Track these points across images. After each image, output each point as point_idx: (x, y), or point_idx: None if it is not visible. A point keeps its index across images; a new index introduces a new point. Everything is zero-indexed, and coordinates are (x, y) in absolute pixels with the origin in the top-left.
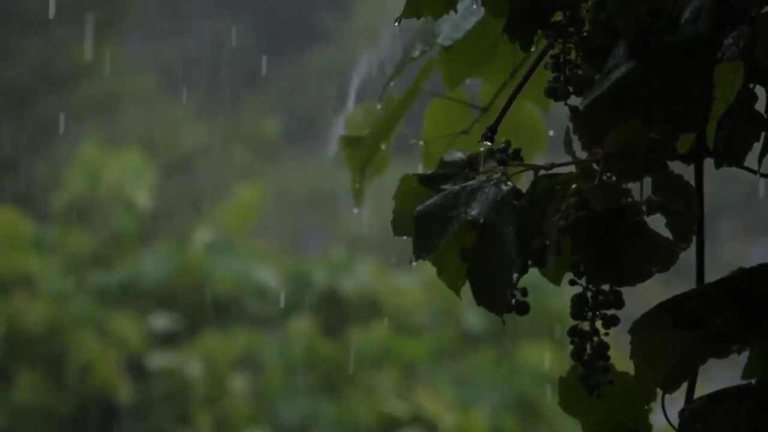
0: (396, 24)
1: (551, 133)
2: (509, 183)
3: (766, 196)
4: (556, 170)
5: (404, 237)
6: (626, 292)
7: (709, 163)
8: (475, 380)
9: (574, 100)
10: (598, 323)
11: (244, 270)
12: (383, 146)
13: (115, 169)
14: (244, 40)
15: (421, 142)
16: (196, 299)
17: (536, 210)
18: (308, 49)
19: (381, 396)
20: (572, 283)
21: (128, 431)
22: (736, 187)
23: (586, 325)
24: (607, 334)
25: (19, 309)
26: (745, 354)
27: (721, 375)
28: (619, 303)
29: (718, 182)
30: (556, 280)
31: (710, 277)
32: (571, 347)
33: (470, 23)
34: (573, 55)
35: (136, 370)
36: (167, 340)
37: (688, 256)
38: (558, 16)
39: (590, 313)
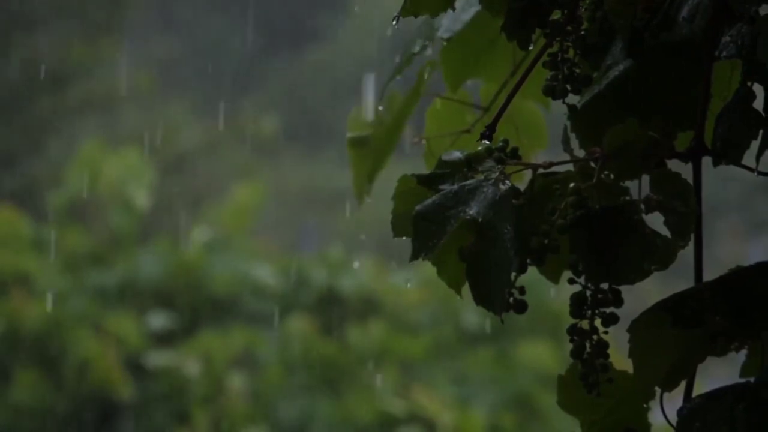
0: (394, 22)
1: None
2: (507, 182)
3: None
4: (554, 169)
5: (403, 237)
6: (625, 290)
7: (707, 161)
8: (474, 379)
9: (572, 99)
10: (597, 321)
11: (242, 269)
12: (389, 152)
13: (115, 168)
14: (241, 38)
15: (424, 141)
16: (194, 298)
17: (534, 209)
18: (306, 48)
19: (379, 395)
20: (571, 281)
21: (126, 430)
22: (734, 186)
23: (585, 324)
24: (606, 332)
25: (17, 308)
26: (744, 352)
27: (719, 373)
28: (618, 301)
29: (716, 181)
30: (555, 279)
31: (708, 276)
32: (570, 346)
33: (469, 14)
34: (571, 53)
35: (134, 369)
36: (165, 339)
37: (686, 254)
38: (556, 15)
39: (589, 312)
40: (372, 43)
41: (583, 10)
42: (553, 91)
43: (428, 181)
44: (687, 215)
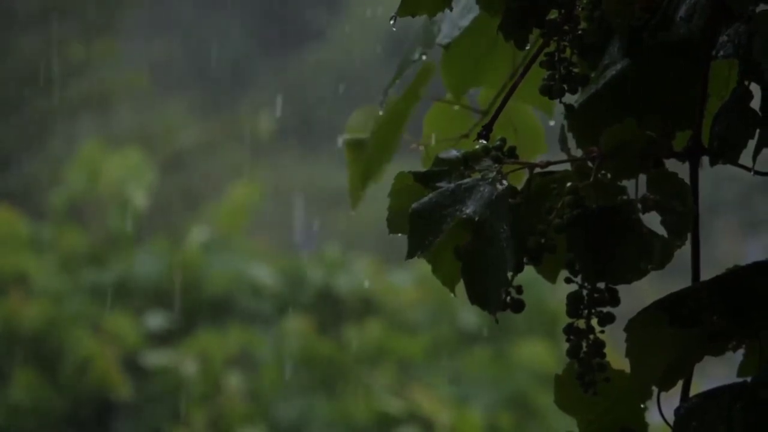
0: (391, 22)
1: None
2: (504, 181)
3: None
4: (551, 168)
5: (399, 235)
6: (621, 290)
7: (704, 160)
8: (471, 378)
9: (570, 98)
10: (594, 321)
11: (239, 268)
12: (386, 156)
13: (116, 168)
14: (238, 37)
15: (422, 147)
16: (191, 297)
17: (531, 208)
18: (303, 47)
19: (377, 394)
20: (568, 281)
21: (124, 429)
22: (731, 185)
23: (581, 323)
24: (602, 331)
25: (15, 307)
26: (741, 352)
27: (716, 373)
28: (614, 301)
29: (713, 180)
30: (552, 278)
31: (705, 275)
32: (566, 345)
33: (467, 20)
34: (568, 53)
35: (132, 368)
36: (163, 339)
37: (683, 253)
38: (553, 14)
39: (586, 311)
40: (370, 42)
41: (580, 9)
42: (550, 91)
43: (425, 179)
44: (684, 215)
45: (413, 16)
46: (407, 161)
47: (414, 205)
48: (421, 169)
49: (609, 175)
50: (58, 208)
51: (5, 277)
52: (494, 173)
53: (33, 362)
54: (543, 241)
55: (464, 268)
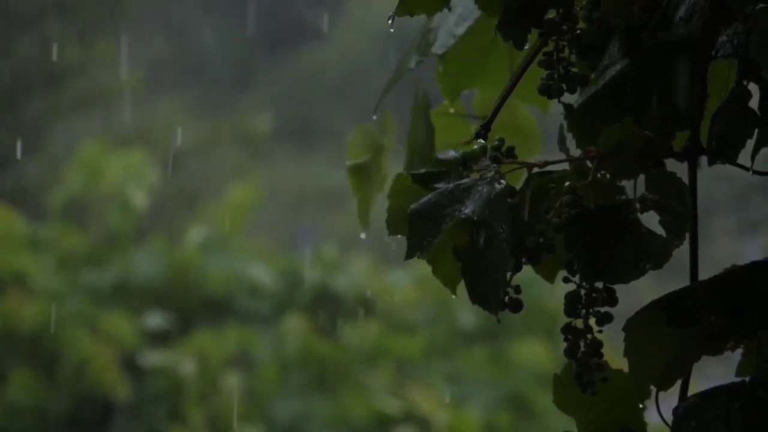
0: (389, 22)
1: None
2: (503, 181)
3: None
4: (549, 168)
5: (399, 236)
6: (619, 289)
7: (702, 160)
8: (469, 378)
9: (568, 98)
10: (592, 321)
11: (237, 268)
12: (382, 169)
13: (116, 168)
14: (236, 37)
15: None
16: (189, 297)
17: (530, 208)
18: (301, 47)
19: (374, 394)
20: (566, 280)
21: (122, 429)
22: (730, 185)
23: (579, 323)
24: (600, 331)
25: (13, 307)
26: (739, 351)
27: (714, 373)
28: (612, 300)
29: (712, 180)
30: (551, 278)
31: (703, 275)
32: (564, 345)
33: (463, 28)
34: (566, 52)
35: (130, 368)
36: (161, 339)
37: (681, 253)
38: (551, 14)
39: (584, 311)
40: (367, 42)
41: (578, 9)
42: (548, 90)
43: (424, 180)
44: (682, 214)
45: (411, 16)
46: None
47: (413, 206)
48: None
49: (608, 175)
50: (56, 207)
51: (4, 277)
52: (492, 173)
53: (31, 362)
54: (541, 240)
55: (463, 268)
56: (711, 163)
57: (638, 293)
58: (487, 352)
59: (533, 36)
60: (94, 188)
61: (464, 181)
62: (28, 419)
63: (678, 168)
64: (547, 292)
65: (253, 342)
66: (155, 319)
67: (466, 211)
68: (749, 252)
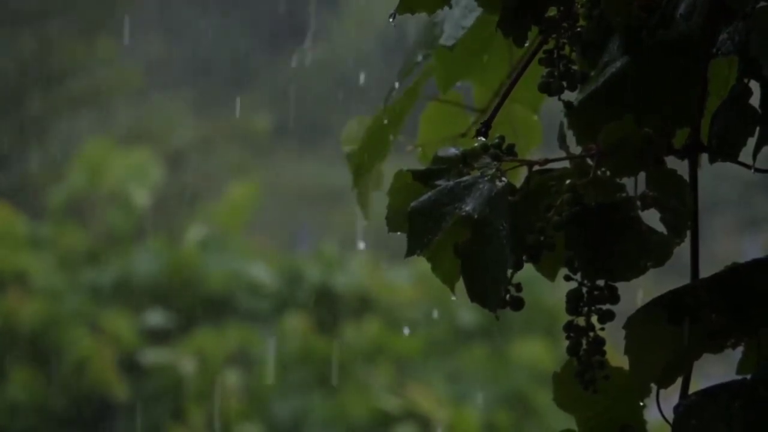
0: (391, 20)
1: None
2: (503, 179)
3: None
4: (550, 165)
5: (398, 233)
6: (620, 287)
7: (703, 158)
8: (469, 376)
9: (568, 96)
10: (594, 318)
11: (237, 267)
12: (379, 156)
13: (119, 166)
14: (236, 35)
15: (419, 148)
16: (189, 296)
17: (530, 205)
18: (301, 46)
19: (374, 392)
20: (567, 278)
21: (122, 427)
22: (730, 183)
23: (581, 321)
24: (602, 329)
25: (13, 306)
26: (740, 349)
27: (715, 371)
28: (614, 298)
29: (712, 177)
30: (551, 276)
31: (703, 273)
32: (565, 343)
33: (471, 20)
34: (567, 50)
35: (130, 366)
36: (161, 337)
37: (682, 251)
38: (552, 12)
39: (585, 309)
40: (367, 40)
41: (579, 6)
42: (549, 88)
43: (424, 177)
44: (683, 212)
45: (412, 14)
46: (405, 161)
47: (413, 204)
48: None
49: (608, 173)
50: (57, 206)
51: (3, 275)
52: (493, 171)
53: (31, 360)
54: (542, 238)
55: (463, 265)
56: (712, 161)
57: (639, 291)
58: (487, 350)
59: (532, 33)
60: (96, 186)
61: (465, 178)
62: (28, 418)
63: (679, 166)
64: (547, 290)
65: (253, 340)
66: (155, 318)
67: (467, 208)
68: (750, 249)
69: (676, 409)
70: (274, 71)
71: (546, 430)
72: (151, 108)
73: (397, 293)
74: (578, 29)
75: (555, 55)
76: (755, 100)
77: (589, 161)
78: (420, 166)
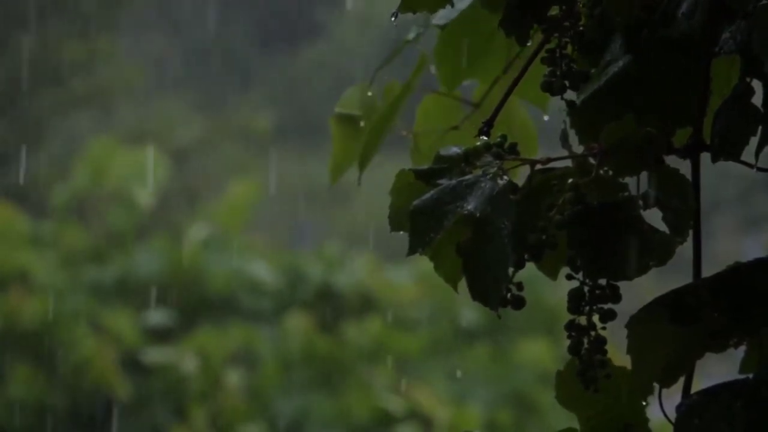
0: (393, 18)
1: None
2: (505, 177)
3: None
4: (552, 164)
5: (401, 232)
6: (623, 286)
7: (705, 157)
8: (471, 376)
9: (571, 95)
10: (595, 317)
11: (239, 266)
12: (379, 139)
13: (123, 166)
14: (237, 34)
15: (411, 135)
16: (191, 295)
17: (532, 204)
18: (302, 44)
19: (376, 391)
20: (569, 277)
21: (123, 426)
22: (732, 182)
23: (583, 320)
24: (604, 328)
25: (15, 304)
26: (742, 349)
27: (717, 370)
28: (616, 297)
29: (714, 177)
30: (553, 275)
31: (706, 272)
32: (567, 342)
33: (465, 3)
34: (569, 49)
35: (132, 365)
36: (162, 336)
37: (684, 250)
38: (554, 11)
39: (587, 308)
40: (368, 39)
41: (581, 5)
42: (551, 87)
43: (426, 176)
44: (685, 211)
45: (414, 13)
46: (399, 154)
47: (415, 202)
48: (410, 163)
49: (610, 172)
50: (60, 205)
51: (5, 273)
52: (495, 169)
53: (32, 359)
54: (544, 237)
55: (465, 264)
56: (714, 160)
57: (641, 290)
58: (488, 349)
59: (533, 31)
60: (99, 186)
61: (467, 177)
62: (29, 416)
63: (681, 165)
64: (548, 289)
65: (255, 339)
66: (157, 317)
67: (469, 207)
68: (752, 249)
69: (678, 408)
70: (276, 70)
71: (547, 429)
72: (152, 107)
73: (398, 292)
74: (580, 28)
75: (557, 55)
76: (757, 99)
77: (591, 160)
78: (410, 159)
